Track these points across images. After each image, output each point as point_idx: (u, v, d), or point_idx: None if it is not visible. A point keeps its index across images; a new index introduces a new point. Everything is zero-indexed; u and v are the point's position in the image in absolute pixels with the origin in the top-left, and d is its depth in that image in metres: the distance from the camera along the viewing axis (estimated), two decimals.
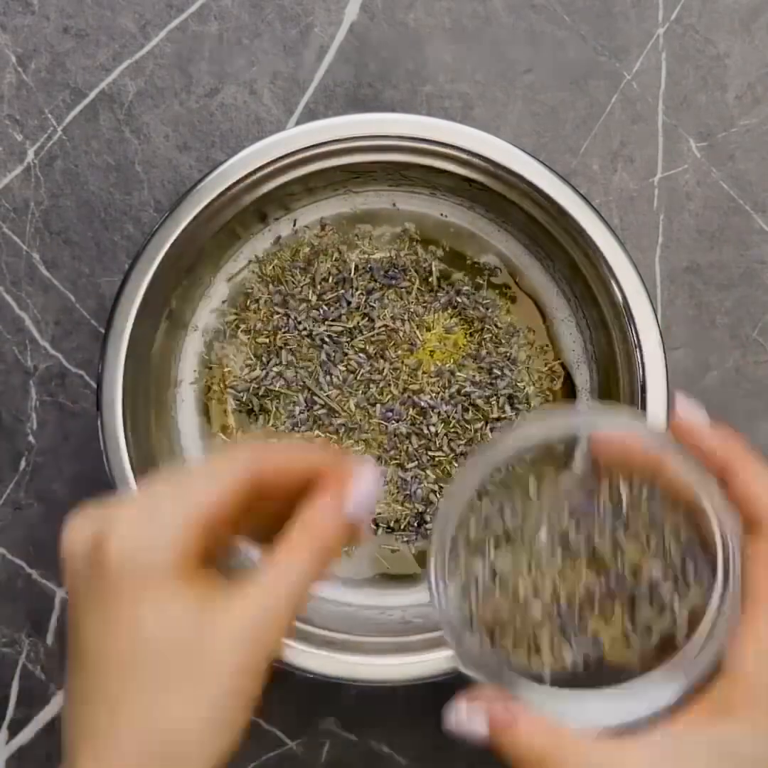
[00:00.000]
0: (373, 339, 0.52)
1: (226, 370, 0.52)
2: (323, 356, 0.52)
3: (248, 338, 0.52)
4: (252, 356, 0.52)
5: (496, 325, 0.52)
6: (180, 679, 0.28)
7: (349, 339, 0.52)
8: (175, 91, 0.55)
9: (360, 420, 0.52)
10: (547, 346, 0.53)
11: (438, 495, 0.52)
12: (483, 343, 0.52)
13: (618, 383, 0.49)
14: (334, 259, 0.53)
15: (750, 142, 0.56)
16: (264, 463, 0.31)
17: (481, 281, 0.53)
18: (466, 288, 0.53)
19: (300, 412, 0.52)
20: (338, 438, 0.52)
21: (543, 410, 0.52)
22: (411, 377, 0.52)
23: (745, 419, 0.55)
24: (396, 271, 0.52)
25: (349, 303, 0.52)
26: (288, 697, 0.54)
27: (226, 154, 0.55)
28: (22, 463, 0.54)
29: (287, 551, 0.30)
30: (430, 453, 0.52)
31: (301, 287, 0.52)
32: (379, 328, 0.52)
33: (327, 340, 0.52)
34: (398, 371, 0.52)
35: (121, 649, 0.28)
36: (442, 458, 0.52)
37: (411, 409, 0.52)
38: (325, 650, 0.46)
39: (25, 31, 0.55)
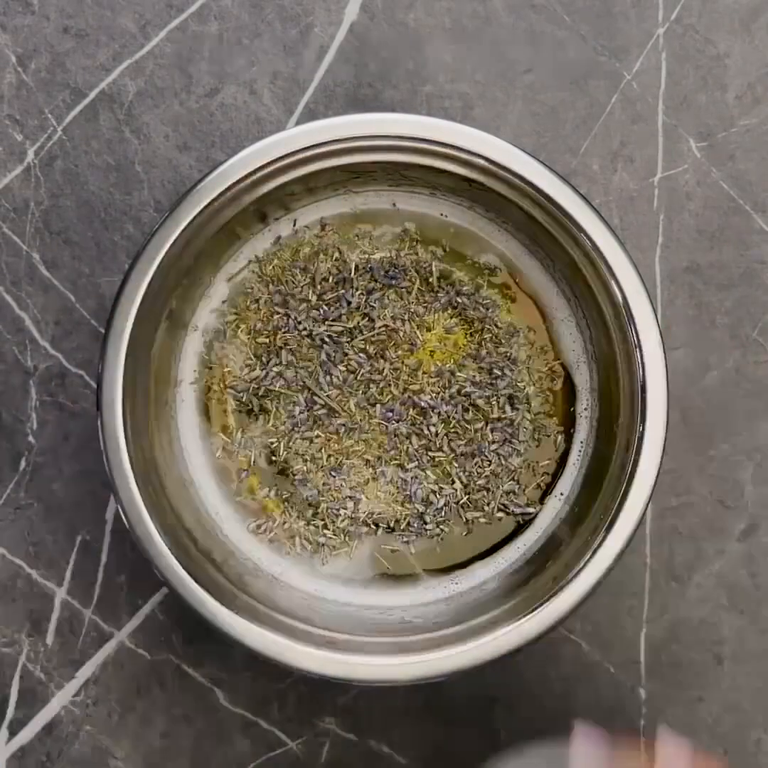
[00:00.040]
0: (373, 339, 0.52)
1: (226, 370, 0.52)
2: (323, 356, 0.52)
3: (248, 338, 0.52)
4: (252, 356, 0.52)
5: (496, 325, 0.52)
6: None
7: (349, 339, 0.52)
8: (175, 91, 0.55)
9: (360, 420, 0.52)
10: (547, 346, 0.53)
11: (438, 495, 0.52)
12: (483, 343, 0.52)
13: (618, 383, 0.49)
14: (334, 259, 0.53)
15: (750, 142, 0.56)
16: None
17: (481, 281, 0.53)
18: (466, 288, 0.53)
19: (300, 412, 0.52)
20: (338, 438, 0.52)
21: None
22: (411, 377, 0.52)
23: (745, 419, 0.55)
24: (396, 271, 0.52)
25: (349, 303, 0.52)
26: (288, 697, 0.54)
27: (226, 154, 0.55)
28: (22, 463, 0.54)
29: None
30: (430, 453, 0.52)
31: (301, 287, 0.52)
32: (379, 328, 0.52)
33: (327, 340, 0.52)
34: (398, 371, 0.52)
35: None
36: (442, 458, 0.52)
37: (411, 410, 0.52)
38: (326, 650, 0.46)
39: (25, 31, 0.55)
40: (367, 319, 0.52)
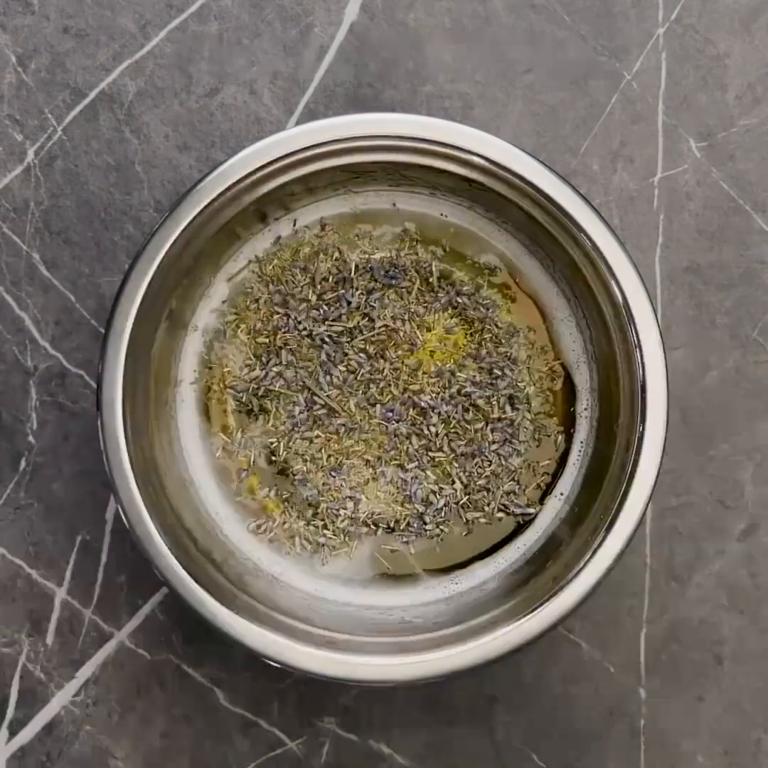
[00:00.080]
0: (373, 339, 0.52)
1: (226, 370, 0.52)
2: (323, 356, 0.52)
3: (248, 338, 0.52)
4: (252, 356, 0.52)
5: (496, 325, 0.52)
6: None
7: (349, 339, 0.52)
8: (175, 91, 0.55)
9: (360, 420, 0.52)
10: (546, 346, 0.53)
11: (438, 496, 0.52)
12: (483, 343, 0.52)
13: (618, 383, 0.49)
14: (334, 258, 0.53)
15: (750, 142, 0.56)
16: None
17: (481, 281, 0.53)
18: (466, 288, 0.53)
19: (300, 412, 0.52)
20: (338, 438, 0.52)
21: None
22: (411, 377, 0.52)
23: (745, 419, 0.55)
24: (396, 271, 0.52)
25: (349, 303, 0.52)
26: (288, 697, 0.54)
27: (226, 154, 0.55)
28: (22, 463, 0.54)
29: None
30: (430, 453, 0.52)
31: (301, 287, 0.52)
32: (379, 328, 0.52)
33: (327, 340, 0.52)
34: (398, 371, 0.52)
35: None
36: (442, 459, 0.52)
37: (411, 410, 0.52)
38: (326, 650, 0.46)
39: (25, 31, 0.55)
40: (367, 319, 0.52)
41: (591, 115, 0.56)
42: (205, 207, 0.47)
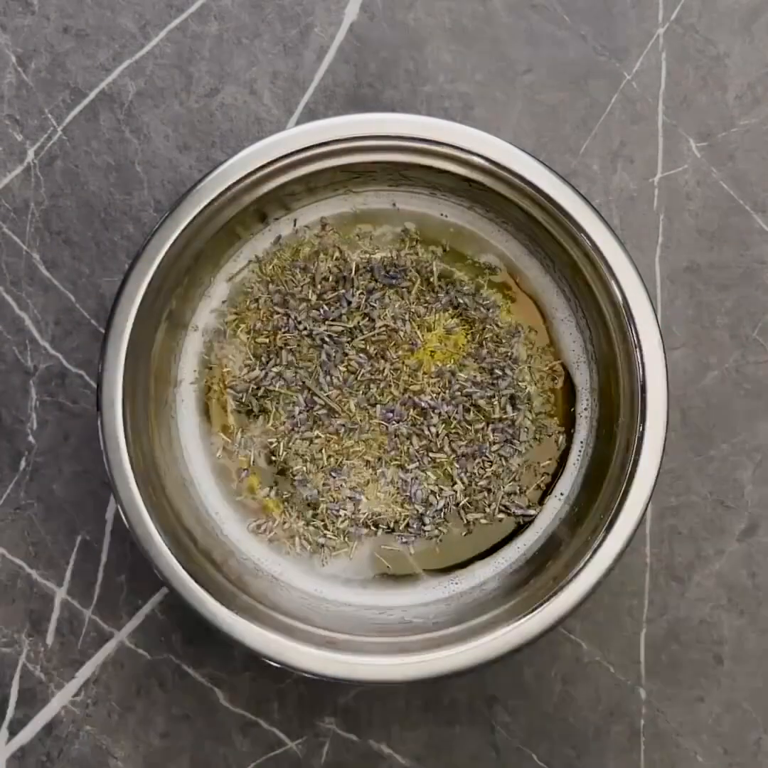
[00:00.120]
0: (373, 339, 0.52)
1: (225, 370, 0.52)
2: (324, 356, 0.52)
3: (248, 338, 0.52)
4: (252, 356, 0.52)
5: (496, 325, 0.52)
6: None
7: (349, 339, 0.52)
8: (175, 91, 0.55)
9: (360, 421, 0.52)
10: (547, 346, 0.53)
11: (437, 497, 0.52)
12: (484, 343, 0.52)
13: (618, 383, 0.49)
14: (334, 258, 0.53)
15: (750, 142, 0.56)
16: None
17: (481, 281, 0.53)
18: (466, 288, 0.53)
19: (300, 413, 0.52)
20: (338, 438, 0.52)
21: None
22: (412, 378, 0.52)
23: (745, 419, 0.55)
24: (396, 271, 0.52)
25: (349, 303, 0.52)
26: (288, 697, 0.54)
27: (226, 154, 0.55)
28: (22, 463, 0.54)
29: None
30: (431, 454, 0.52)
31: (302, 287, 0.52)
32: (380, 328, 0.52)
33: (327, 339, 0.52)
34: (399, 372, 0.52)
35: None
36: (443, 459, 0.52)
37: (412, 410, 0.52)
38: (326, 650, 0.46)
39: (25, 31, 0.55)
40: (367, 319, 0.52)
41: (591, 115, 0.56)
42: (205, 207, 0.47)
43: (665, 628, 0.55)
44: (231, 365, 0.52)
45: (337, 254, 0.53)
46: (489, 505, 0.52)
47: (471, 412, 0.52)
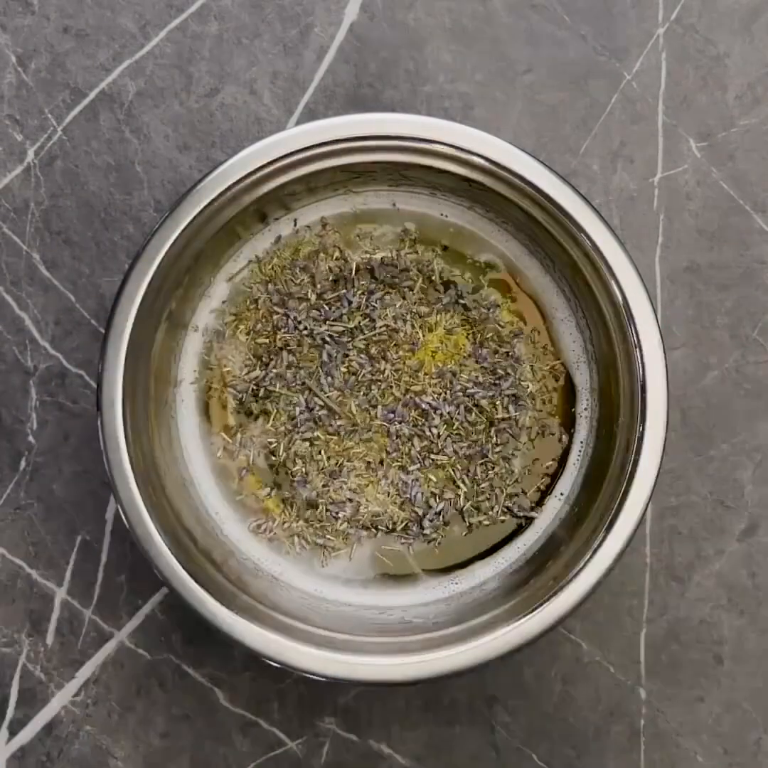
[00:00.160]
0: (374, 339, 0.52)
1: (225, 370, 0.52)
2: (325, 356, 0.52)
3: (248, 338, 0.52)
4: (251, 356, 0.52)
5: (498, 325, 0.52)
6: None
7: (349, 339, 0.52)
8: (175, 91, 0.55)
9: (361, 422, 0.52)
10: (547, 346, 0.53)
11: (438, 499, 0.52)
12: (485, 343, 0.52)
13: (618, 383, 0.49)
14: (335, 258, 0.53)
15: (750, 142, 0.56)
16: None
17: (482, 281, 0.53)
18: (467, 288, 0.53)
19: (300, 413, 0.52)
20: (339, 439, 0.52)
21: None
22: (413, 378, 0.52)
23: (745, 419, 0.55)
24: (397, 271, 0.52)
25: (349, 303, 0.52)
26: (288, 697, 0.54)
27: (226, 154, 0.55)
28: (22, 463, 0.54)
29: None
30: (432, 456, 0.52)
31: (302, 286, 0.52)
32: (380, 328, 0.52)
33: (328, 339, 0.52)
34: (400, 372, 0.52)
35: None
36: (445, 461, 0.52)
37: (413, 411, 0.52)
38: (326, 650, 0.46)
39: (25, 31, 0.55)
40: (367, 319, 0.52)
41: (591, 115, 0.56)
42: (205, 207, 0.47)
43: (665, 628, 0.55)
44: (231, 365, 0.52)
45: (337, 254, 0.53)
46: (492, 508, 0.52)
47: (473, 413, 0.52)
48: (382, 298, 0.52)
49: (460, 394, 0.52)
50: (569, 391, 0.53)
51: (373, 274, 0.52)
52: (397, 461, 0.52)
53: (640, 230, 0.55)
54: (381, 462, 0.52)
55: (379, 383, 0.52)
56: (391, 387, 0.52)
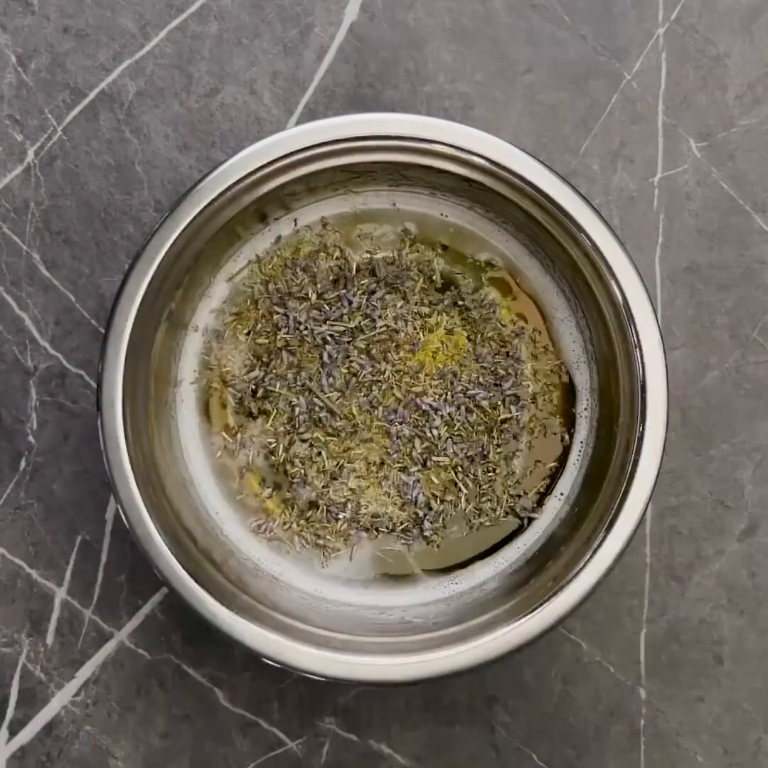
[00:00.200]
0: (374, 339, 0.52)
1: (225, 370, 0.52)
2: (325, 357, 0.52)
3: (248, 338, 0.52)
4: (251, 356, 0.52)
5: (499, 324, 0.52)
6: None
7: (349, 339, 0.52)
8: (175, 91, 0.55)
9: (361, 422, 0.52)
10: (547, 346, 0.53)
11: (438, 500, 0.52)
12: (486, 343, 0.52)
13: (618, 383, 0.49)
14: (335, 257, 0.53)
15: (750, 142, 0.56)
16: None
17: (482, 281, 0.53)
18: (467, 288, 0.53)
19: (300, 414, 0.52)
20: (339, 440, 0.52)
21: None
22: (413, 379, 0.52)
23: (745, 419, 0.55)
24: (397, 271, 0.52)
25: (350, 302, 0.52)
26: (288, 697, 0.54)
27: (226, 154, 0.55)
28: (22, 463, 0.54)
29: None
30: (434, 457, 0.52)
31: (302, 286, 0.52)
32: (381, 328, 0.52)
33: (328, 339, 0.52)
34: (401, 373, 0.52)
35: None
36: (446, 462, 0.52)
37: (414, 412, 0.52)
38: (326, 650, 0.46)
39: (25, 31, 0.55)
40: (368, 319, 0.52)
41: (591, 115, 0.56)
42: (205, 207, 0.47)
43: (665, 628, 0.55)
44: (231, 365, 0.52)
45: (337, 254, 0.53)
46: (494, 509, 0.52)
47: (473, 414, 0.52)
48: (383, 298, 0.52)
49: (461, 394, 0.52)
50: (569, 391, 0.53)
51: (373, 274, 0.52)
52: (398, 462, 0.52)
53: (640, 230, 0.55)
54: (382, 463, 0.52)
55: (380, 384, 0.52)
56: (392, 388, 0.52)
